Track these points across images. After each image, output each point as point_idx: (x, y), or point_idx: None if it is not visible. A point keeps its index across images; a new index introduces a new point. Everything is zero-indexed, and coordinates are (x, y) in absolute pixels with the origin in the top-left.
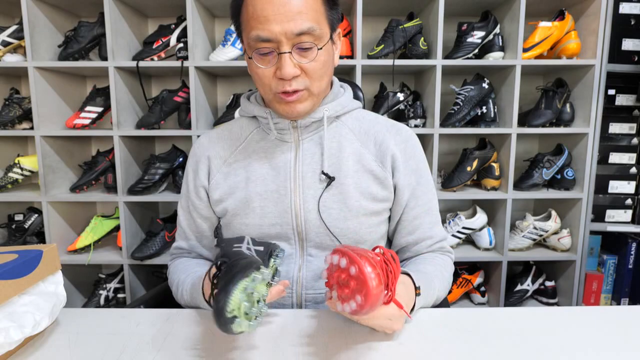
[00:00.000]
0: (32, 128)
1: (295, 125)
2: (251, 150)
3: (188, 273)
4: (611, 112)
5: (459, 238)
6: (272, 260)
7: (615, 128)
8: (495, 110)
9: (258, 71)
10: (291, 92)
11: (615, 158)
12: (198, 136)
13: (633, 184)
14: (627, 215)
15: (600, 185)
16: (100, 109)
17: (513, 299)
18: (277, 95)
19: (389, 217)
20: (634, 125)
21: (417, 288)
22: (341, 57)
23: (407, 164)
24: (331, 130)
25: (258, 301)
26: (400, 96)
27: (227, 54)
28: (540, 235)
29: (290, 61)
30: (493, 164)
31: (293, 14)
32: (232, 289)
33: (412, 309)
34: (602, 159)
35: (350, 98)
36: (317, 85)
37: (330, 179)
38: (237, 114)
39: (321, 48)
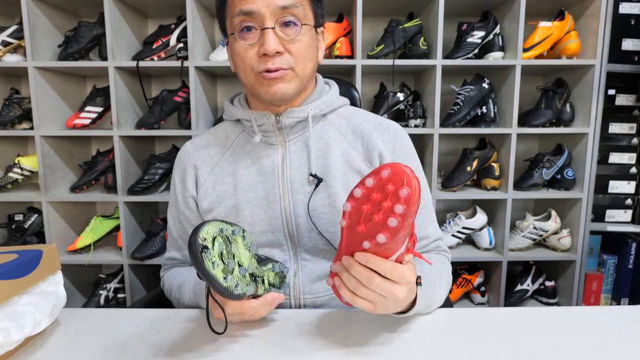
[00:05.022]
0: (32, 128)
1: (280, 127)
2: (237, 156)
3: (187, 275)
4: (611, 112)
5: (459, 238)
6: (272, 264)
7: (615, 128)
8: (495, 110)
9: (240, 50)
10: (274, 69)
11: (615, 158)
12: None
13: (633, 184)
14: (627, 215)
15: (600, 185)
16: (100, 109)
17: (513, 299)
18: (259, 76)
19: None
20: (634, 125)
21: (417, 277)
22: (341, 57)
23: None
24: (317, 130)
25: (240, 265)
26: (400, 96)
27: (227, 54)
28: (540, 235)
29: (274, 36)
30: (493, 164)
31: None
32: (209, 222)
33: (414, 302)
34: (602, 159)
35: (335, 95)
36: (302, 67)
37: (319, 181)
38: None
39: (304, 24)
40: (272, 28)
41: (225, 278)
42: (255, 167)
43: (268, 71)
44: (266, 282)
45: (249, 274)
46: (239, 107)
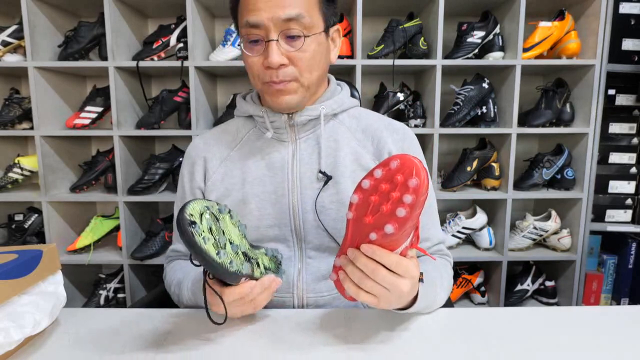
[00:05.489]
0: (32, 128)
1: (292, 124)
2: (247, 150)
3: (187, 271)
4: (611, 112)
5: (459, 238)
6: (264, 249)
7: (615, 128)
8: (495, 110)
9: (248, 60)
10: (278, 82)
11: (615, 158)
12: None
13: (633, 184)
14: (627, 215)
15: (600, 185)
16: (100, 109)
17: (513, 299)
18: (266, 85)
19: None
20: (634, 125)
21: (420, 273)
22: (341, 57)
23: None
24: (328, 128)
25: (231, 242)
26: (400, 96)
27: (227, 54)
28: (540, 235)
29: (278, 49)
30: (493, 164)
31: (282, 1)
32: (193, 200)
33: (416, 298)
34: (602, 159)
35: (347, 96)
36: (307, 77)
37: (328, 178)
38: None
39: (308, 36)
40: (275, 40)
41: (218, 254)
42: (264, 161)
43: (273, 82)
44: (261, 265)
45: (242, 253)
46: (252, 104)
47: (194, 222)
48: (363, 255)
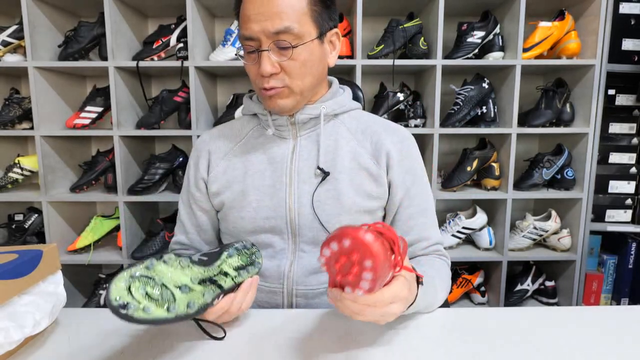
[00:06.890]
0: (32, 128)
1: (293, 122)
2: (250, 145)
3: None
4: (611, 112)
5: (459, 238)
6: (226, 251)
7: (615, 128)
8: (495, 110)
9: (246, 67)
10: (269, 88)
11: (615, 158)
12: (198, 136)
13: (633, 184)
14: (627, 215)
15: (600, 185)
16: (100, 109)
17: (513, 299)
18: (261, 91)
19: (384, 217)
20: (634, 125)
21: (417, 278)
22: (341, 57)
23: (402, 162)
24: (328, 128)
25: (179, 286)
26: (400, 96)
27: (227, 54)
28: (540, 235)
29: (268, 59)
30: (493, 164)
31: (272, 14)
32: (114, 279)
33: (414, 300)
34: (602, 159)
35: (349, 99)
36: (298, 83)
37: (325, 174)
38: (237, 113)
39: (296, 46)
40: (267, 51)
41: (168, 310)
42: (266, 156)
43: (265, 89)
44: (230, 271)
45: (200, 281)
46: (257, 103)
47: (124, 305)
48: (346, 299)
